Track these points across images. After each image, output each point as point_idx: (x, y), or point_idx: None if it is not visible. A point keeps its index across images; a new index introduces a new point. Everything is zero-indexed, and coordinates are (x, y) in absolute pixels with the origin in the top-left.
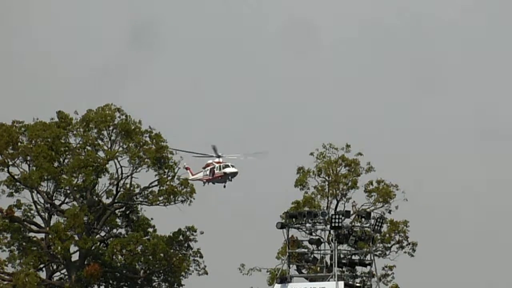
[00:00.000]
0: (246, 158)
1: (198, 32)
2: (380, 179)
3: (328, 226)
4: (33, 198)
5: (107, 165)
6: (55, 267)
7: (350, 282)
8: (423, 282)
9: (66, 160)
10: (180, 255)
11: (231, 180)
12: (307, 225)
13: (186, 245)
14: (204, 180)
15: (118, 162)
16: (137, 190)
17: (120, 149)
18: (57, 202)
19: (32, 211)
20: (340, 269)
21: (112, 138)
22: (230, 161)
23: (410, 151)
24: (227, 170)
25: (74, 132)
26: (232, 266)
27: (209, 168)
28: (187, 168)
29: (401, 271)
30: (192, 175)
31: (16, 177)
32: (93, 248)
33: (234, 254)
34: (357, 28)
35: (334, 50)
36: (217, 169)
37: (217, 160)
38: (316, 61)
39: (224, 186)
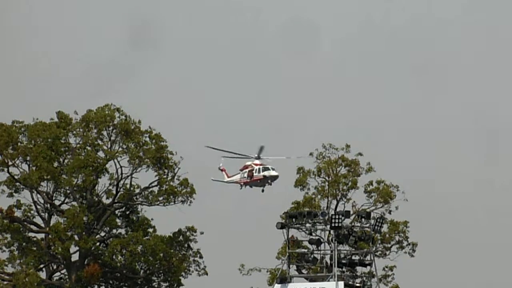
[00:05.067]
0: (288, 159)
1: (198, 32)
2: (380, 180)
3: (328, 226)
4: (33, 198)
5: (107, 165)
6: (55, 267)
7: (350, 282)
8: (423, 282)
9: (66, 160)
10: (180, 255)
11: (270, 184)
12: (307, 225)
13: (186, 245)
14: (241, 183)
15: (118, 162)
16: (137, 190)
17: (120, 149)
18: (57, 202)
19: (32, 211)
20: (340, 269)
21: (112, 138)
22: (271, 164)
23: (410, 151)
24: (267, 173)
25: (74, 132)
26: (232, 266)
27: (247, 170)
28: (222, 170)
29: (401, 271)
30: (228, 177)
31: (16, 177)
32: (93, 248)
33: (234, 254)
34: (357, 28)
35: (334, 50)
36: (256, 172)
37: (256, 162)
38: (316, 61)
39: (263, 191)
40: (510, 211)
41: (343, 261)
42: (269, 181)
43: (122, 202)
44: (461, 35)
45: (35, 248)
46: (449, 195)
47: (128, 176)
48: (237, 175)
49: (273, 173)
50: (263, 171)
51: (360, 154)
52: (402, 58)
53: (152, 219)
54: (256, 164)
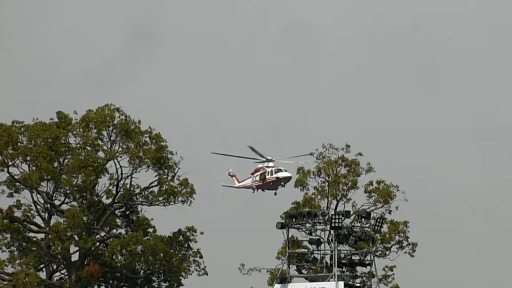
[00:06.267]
0: (297, 162)
1: (198, 32)
2: (380, 180)
3: (328, 226)
4: (33, 198)
5: (107, 165)
6: (55, 267)
7: (350, 282)
8: (423, 282)
9: (66, 160)
10: (180, 255)
11: (283, 186)
12: (307, 225)
13: (186, 245)
14: (254, 187)
15: (118, 162)
16: (137, 190)
17: (120, 149)
18: (57, 202)
19: (32, 211)
20: (340, 269)
21: (112, 138)
22: (282, 166)
23: (410, 151)
24: (280, 174)
25: (74, 132)
26: (232, 266)
27: (259, 173)
28: (232, 175)
29: (401, 271)
30: (239, 182)
31: (16, 177)
32: (93, 248)
33: (234, 254)
34: (357, 28)
35: (334, 50)
36: (268, 174)
37: (268, 164)
38: (316, 61)
39: (275, 194)
40: (510, 211)
41: (343, 261)
42: (282, 182)
43: (122, 202)
44: (461, 35)
45: (35, 248)
46: (449, 195)
47: (128, 176)
48: (248, 179)
49: (286, 174)
50: (276, 172)
51: (360, 154)
52: (402, 58)
53: (152, 219)
54: (268, 167)
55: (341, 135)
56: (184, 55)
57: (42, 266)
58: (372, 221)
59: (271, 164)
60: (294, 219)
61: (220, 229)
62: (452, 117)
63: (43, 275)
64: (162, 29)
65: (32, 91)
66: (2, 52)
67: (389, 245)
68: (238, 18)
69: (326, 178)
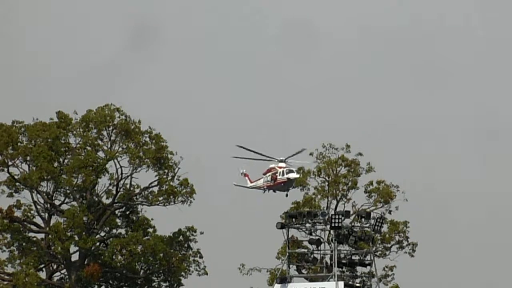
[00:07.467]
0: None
1: (198, 32)
2: (380, 180)
3: (328, 226)
4: (33, 198)
5: (107, 165)
6: (55, 267)
7: (350, 282)
8: (423, 282)
9: (66, 160)
10: (180, 255)
11: (295, 187)
12: (307, 225)
13: (186, 245)
14: (265, 187)
15: (118, 162)
16: (137, 190)
17: (120, 149)
18: (57, 202)
19: (32, 211)
20: (340, 269)
21: (112, 138)
22: (296, 166)
23: (410, 151)
24: (291, 175)
25: (74, 132)
26: (232, 266)
27: (270, 173)
28: (245, 175)
29: (401, 271)
30: (251, 182)
31: (16, 177)
32: (93, 248)
33: (234, 254)
34: (357, 28)
35: (334, 50)
36: (279, 175)
37: (280, 164)
38: (316, 61)
39: (287, 195)
40: (510, 211)
41: (343, 261)
42: (294, 184)
43: (122, 202)
44: (461, 35)
45: (35, 248)
46: (449, 195)
47: (128, 176)
48: (260, 179)
49: (297, 175)
50: (287, 173)
51: (360, 154)
52: (402, 58)
53: (152, 219)
54: (280, 167)
55: (341, 135)
56: (184, 55)
57: (42, 266)
58: (372, 221)
59: (282, 164)
60: (294, 219)
61: (220, 229)
62: (452, 117)
63: (43, 275)
64: (162, 29)
65: (32, 91)
66: (2, 52)
67: (389, 245)
68: (238, 18)
69: (326, 178)
